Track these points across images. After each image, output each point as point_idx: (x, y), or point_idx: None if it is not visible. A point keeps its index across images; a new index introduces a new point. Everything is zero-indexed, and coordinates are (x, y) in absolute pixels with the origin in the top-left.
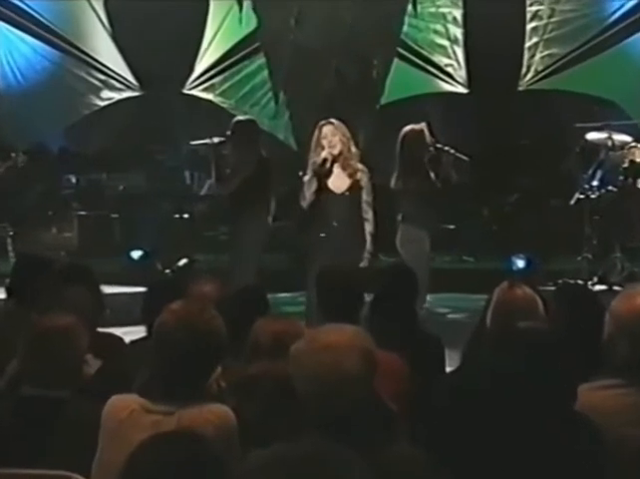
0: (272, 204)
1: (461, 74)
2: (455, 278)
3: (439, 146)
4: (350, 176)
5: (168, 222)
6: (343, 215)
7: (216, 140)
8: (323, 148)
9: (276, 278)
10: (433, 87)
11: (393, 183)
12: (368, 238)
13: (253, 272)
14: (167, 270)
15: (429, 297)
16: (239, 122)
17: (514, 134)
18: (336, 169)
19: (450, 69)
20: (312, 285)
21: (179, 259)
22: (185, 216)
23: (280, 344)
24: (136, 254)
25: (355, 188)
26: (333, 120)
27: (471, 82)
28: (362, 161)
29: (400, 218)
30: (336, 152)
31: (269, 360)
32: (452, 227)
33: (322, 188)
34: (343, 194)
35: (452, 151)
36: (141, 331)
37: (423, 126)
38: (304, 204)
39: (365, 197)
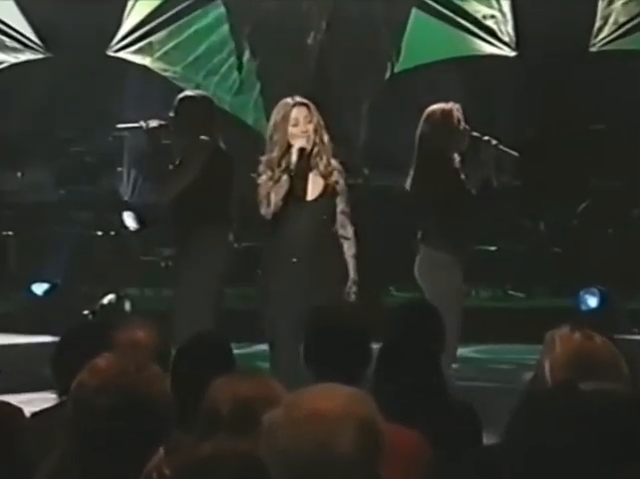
0: (236, 216)
1: (506, 29)
2: (497, 322)
3: (475, 134)
4: (324, 176)
5: (88, 241)
6: (315, 229)
7: (153, 123)
8: (289, 137)
9: (245, 323)
10: (466, 48)
11: (408, 185)
12: (350, 262)
13: (211, 314)
14: (86, 311)
15: (461, 350)
16: (186, 99)
17: (584, 115)
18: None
19: (490, 22)
20: (279, 330)
21: (104, 296)
22: (112, 233)
23: (247, 413)
24: (39, 289)
25: (328, 193)
26: (305, 101)
27: (519, 40)
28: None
29: (419, 236)
30: (313, 141)
31: (231, 436)
32: (493, 248)
33: (290, 192)
34: (314, 200)
35: (494, 141)
36: (49, 399)
37: (453, 106)
38: (267, 212)
39: (342, 206)
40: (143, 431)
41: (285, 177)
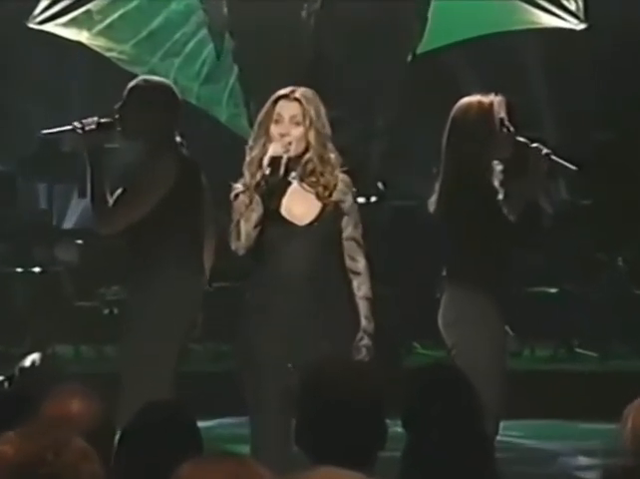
0: (208, 250)
1: None
2: (561, 391)
3: (521, 139)
4: (320, 196)
5: (3, 282)
6: (311, 262)
7: (91, 124)
8: (271, 140)
9: (217, 390)
10: (517, 20)
11: (433, 205)
12: (361, 305)
13: (170, 379)
14: (1, 378)
15: (508, 429)
16: (138, 88)
17: None
18: (296, 182)
19: None
20: (264, 399)
21: (25, 355)
22: (36, 269)
23: None
24: None
25: (329, 214)
26: (299, 92)
27: (588, 11)
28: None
29: (445, 273)
30: (296, 150)
31: None
32: (553, 290)
33: (270, 215)
34: (309, 225)
35: (545, 150)
36: None
37: (494, 99)
38: (237, 246)
39: (350, 230)
40: None
41: (257, 197)
